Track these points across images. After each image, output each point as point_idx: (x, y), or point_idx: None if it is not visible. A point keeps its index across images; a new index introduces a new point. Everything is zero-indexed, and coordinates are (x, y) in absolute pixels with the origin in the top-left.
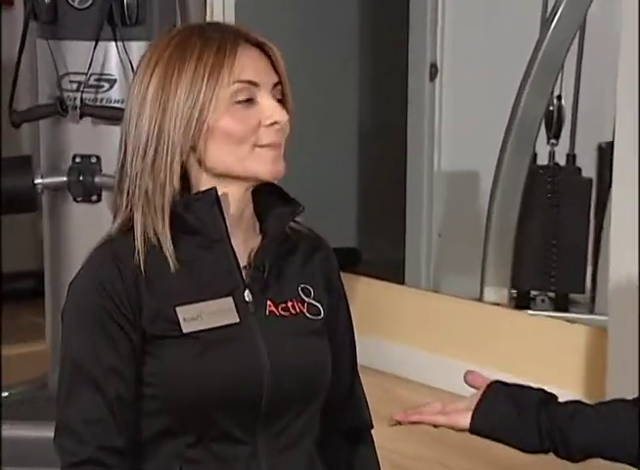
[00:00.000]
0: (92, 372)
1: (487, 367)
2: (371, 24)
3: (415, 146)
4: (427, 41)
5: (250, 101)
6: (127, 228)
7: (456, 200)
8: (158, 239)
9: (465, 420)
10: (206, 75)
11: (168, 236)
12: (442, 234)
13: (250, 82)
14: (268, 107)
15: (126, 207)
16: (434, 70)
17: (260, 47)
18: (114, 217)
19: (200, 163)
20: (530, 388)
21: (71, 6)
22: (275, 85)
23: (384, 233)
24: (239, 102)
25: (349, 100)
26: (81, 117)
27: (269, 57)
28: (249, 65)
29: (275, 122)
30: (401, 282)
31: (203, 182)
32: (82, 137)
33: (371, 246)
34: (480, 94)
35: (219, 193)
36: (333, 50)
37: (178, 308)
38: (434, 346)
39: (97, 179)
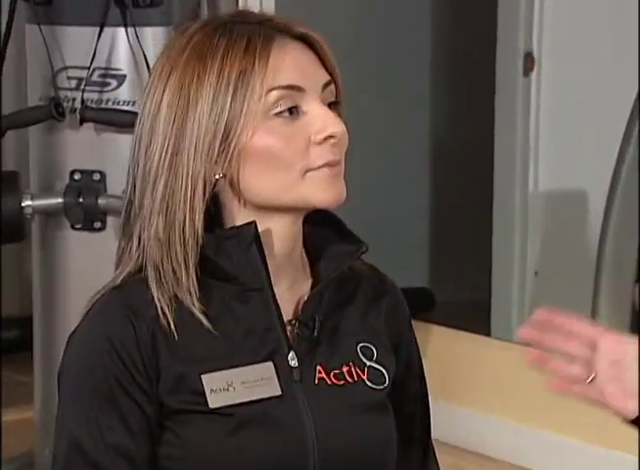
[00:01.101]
0: (94, 454)
1: (598, 444)
2: (449, 5)
3: (505, 160)
4: (520, 23)
5: (293, 111)
6: (138, 277)
7: (557, 228)
8: (176, 295)
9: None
10: (232, 84)
11: (194, 292)
12: (540, 272)
13: (291, 87)
14: (318, 117)
15: (137, 256)
16: (529, 62)
17: (303, 40)
18: (117, 265)
19: (235, 192)
20: None
21: None
22: (325, 86)
23: (464, 270)
24: (278, 114)
25: (420, 102)
26: (82, 122)
27: (315, 51)
28: (288, 64)
29: (330, 136)
30: (487, 332)
31: (240, 216)
32: (82, 148)
33: (447, 286)
34: (589, 92)
35: (260, 228)
36: (400, 40)
37: (204, 376)
38: (528, 415)
39: (100, 201)
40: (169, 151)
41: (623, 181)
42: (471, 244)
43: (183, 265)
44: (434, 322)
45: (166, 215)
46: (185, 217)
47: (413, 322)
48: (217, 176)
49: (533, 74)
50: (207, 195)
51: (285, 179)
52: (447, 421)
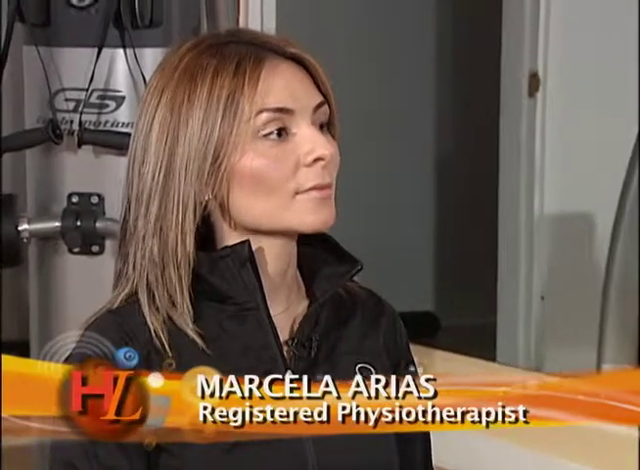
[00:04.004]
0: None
1: (600, 468)
2: (452, 23)
3: (509, 183)
4: (525, 43)
5: (282, 133)
6: (133, 300)
7: (564, 252)
8: (170, 317)
9: None
10: (222, 105)
11: (189, 313)
12: (546, 296)
13: (280, 110)
14: (307, 139)
15: (133, 278)
16: (534, 83)
17: (296, 60)
18: (115, 287)
19: (224, 214)
20: None
21: (68, 4)
22: (317, 107)
23: (469, 294)
24: (267, 136)
25: (425, 124)
26: (80, 144)
27: (308, 72)
28: (278, 86)
29: (319, 158)
30: (492, 357)
31: (230, 238)
32: (80, 171)
33: (452, 310)
34: (594, 113)
35: (253, 247)
36: (403, 59)
37: None
38: (535, 442)
39: (99, 225)
40: (162, 171)
41: (630, 204)
42: (476, 268)
43: (178, 288)
44: (438, 347)
45: (160, 237)
46: (177, 239)
47: (417, 347)
48: (207, 198)
49: (539, 95)
50: (198, 217)
51: (273, 202)
52: (452, 448)
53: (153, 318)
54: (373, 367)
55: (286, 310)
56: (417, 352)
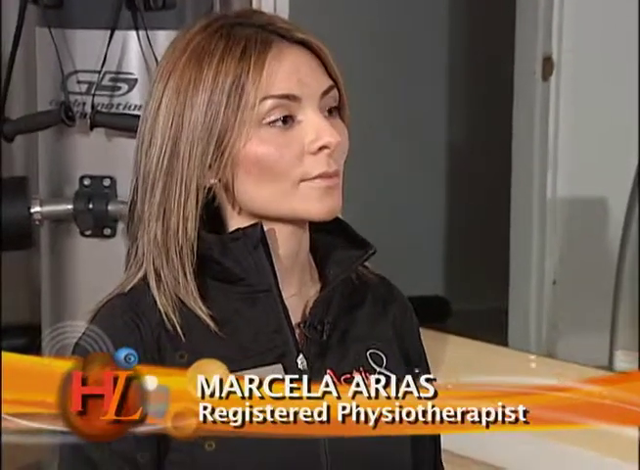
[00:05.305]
0: (99, 460)
1: (616, 458)
2: (465, 6)
3: (522, 165)
4: (539, 27)
5: (287, 120)
6: (144, 283)
7: (576, 236)
8: (180, 299)
9: None
10: (226, 91)
11: (196, 296)
12: (558, 280)
13: (285, 97)
14: (313, 126)
15: (143, 261)
16: (548, 66)
17: (303, 45)
18: (126, 269)
19: (230, 199)
20: None
21: None
22: (325, 93)
23: (480, 278)
24: (272, 123)
25: (436, 106)
26: (92, 127)
27: (317, 56)
28: (284, 72)
29: (324, 147)
30: (503, 342)
31: (237, 223)
32: (93, 153)
33: (463, 294)
34: (609, 97)
35: (265, 229)
36: (416, 42)
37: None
38: (546, 430)
39: (111, 207)
40: (167, 155)
41: None
42: (488, 252)
43: (181, 271)
44: (449, 332)
45: (163, 221)
46: (178, 224)
47: (428, 331)
48: (212, 181)
49: (552, 79)
50: (201, 201)
51: (278, 190)
52: (462, 435)
53: (163, 300)
54: (383, 353)
55: (298, 293)
56: (428, 336)
